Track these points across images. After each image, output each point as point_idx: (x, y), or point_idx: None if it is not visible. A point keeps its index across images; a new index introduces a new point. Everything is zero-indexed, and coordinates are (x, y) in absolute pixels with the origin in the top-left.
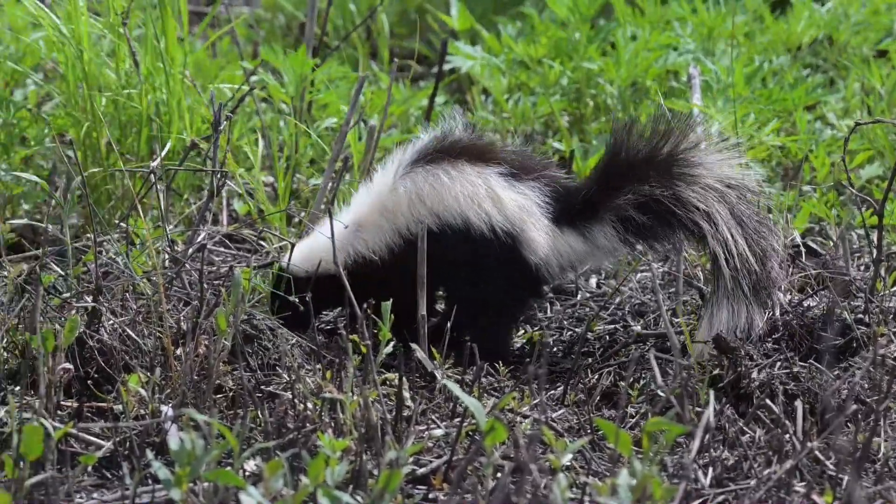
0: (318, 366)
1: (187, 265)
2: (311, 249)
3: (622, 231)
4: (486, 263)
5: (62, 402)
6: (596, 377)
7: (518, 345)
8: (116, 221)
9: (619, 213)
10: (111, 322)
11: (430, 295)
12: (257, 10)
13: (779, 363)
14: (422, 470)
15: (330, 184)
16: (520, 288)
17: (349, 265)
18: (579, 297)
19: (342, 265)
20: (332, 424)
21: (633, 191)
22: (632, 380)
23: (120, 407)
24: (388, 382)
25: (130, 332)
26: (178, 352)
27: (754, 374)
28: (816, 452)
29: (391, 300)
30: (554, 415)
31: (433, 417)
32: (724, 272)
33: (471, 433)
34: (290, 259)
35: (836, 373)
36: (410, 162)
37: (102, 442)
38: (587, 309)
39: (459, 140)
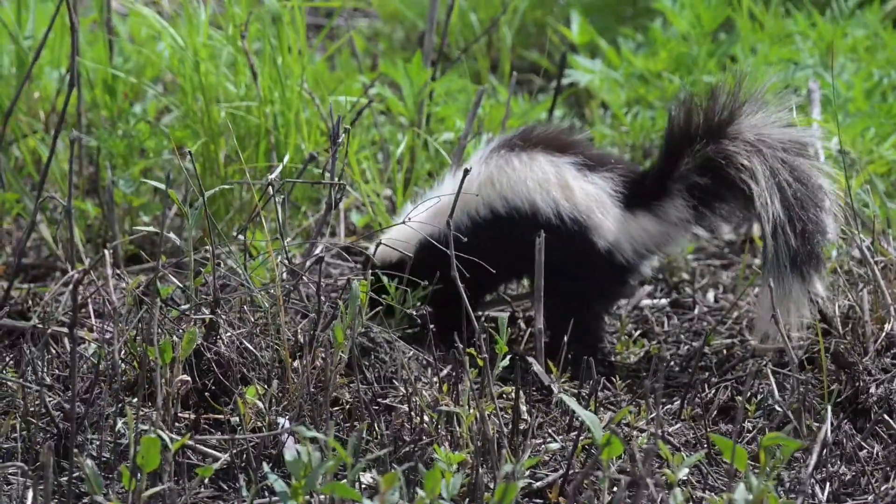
0: (435, 378)
1: (305, 277)
2: (395, 237)
3: (690, 199)
4: (555, 248)
5: (179, 414)
6: (713, 392)
7: (635, 359)
8: (234, 233)
9: (684, 181)
10: (229, 334)
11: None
12: (376, 22)
13: None
14: (538, 483)
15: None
16: (597, 275)
17: (423, 251)
18: (696, 311)
19: (414, 252)
20: (449, 437)
21: (690, 154)
22: (749, 394)
23: (237, 419)
24: (504, 395)
25: (248, 345)
26: (296, 364)
27: (872, 389)
28: None
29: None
30: (670, 429)
31: (549, 431)
32: (766, 239)
33: (587, 447)
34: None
35: None
36: (490, 150)
37: (219, 454)
38: (704, 323)
39: (539, 131)
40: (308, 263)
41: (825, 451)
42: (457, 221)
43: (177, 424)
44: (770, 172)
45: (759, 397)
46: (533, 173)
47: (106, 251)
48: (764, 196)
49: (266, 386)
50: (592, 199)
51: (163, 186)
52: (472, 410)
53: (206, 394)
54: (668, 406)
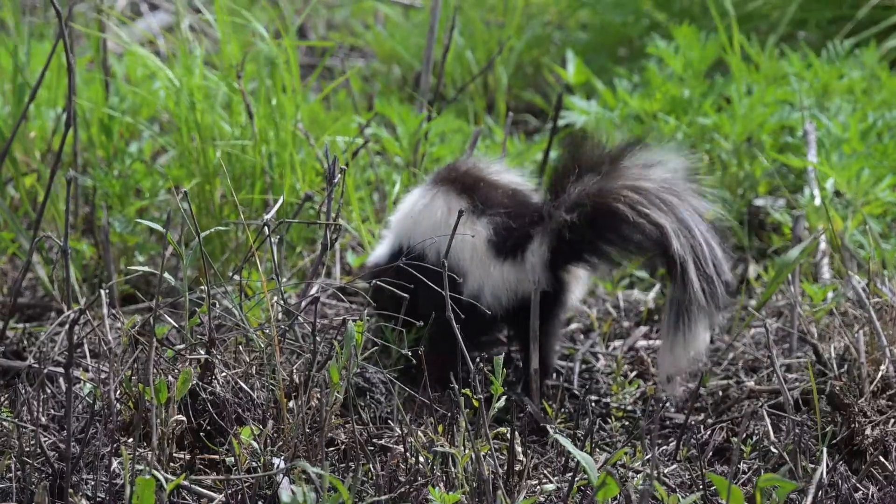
0: (431, 419)
1: (300, 318)
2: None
3: (553, 247)
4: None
5: (175, 454)
6: (709, 433)
7: (630, 399)
8: (230, 274)
9: (552, 224)
10: (224, 374)
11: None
12: (373, 61)
13: (893, 420)
14: None
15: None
16: (465, 317)
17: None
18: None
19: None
20: (444, 478)
21: (564, 199)
22: (744, 435)
23: (232, 459)
24: (500, 436)
25: (243, 385)
26: (291, 404)
27: (868, 431)
28: None
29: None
30: (666, 470)
31: (545, 472)
32: (693, 283)
33: (583, 488)
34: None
35: None
36: (429, 183)
37: (214, 494)
38: (700, 364)
39: (460, 167)
40: (304, 304)
41: (820, 492)
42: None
43: (172, 464)
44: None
45: (754, 438)
46: (430, 216)
47: (102, 291)
48: (696, 237)
49: (261, 426)
50: (468, 246)
51: (159, 227)
52: (467, 451)
53: (202, 434)
54: (664, 447)
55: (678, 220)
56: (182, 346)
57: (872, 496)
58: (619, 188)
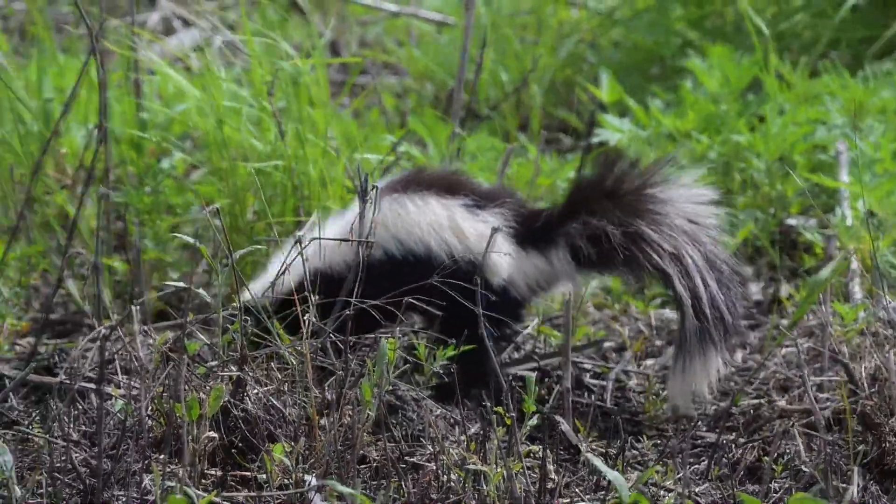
0: (463, 437)
1: (332, 335)
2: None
3: (574, 257)
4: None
5: (206, 471)
6: (740, 452)
7: (662, 418)
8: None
9: (569, 239)
10: (256, 391)
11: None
12: (406, 79)
13: None
14: None
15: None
16: (491, 310)
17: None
18: (724, 371)
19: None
20: (476, 496)
21: (583, 221)
22: (776, 455)
23: (264, 476)
24: (532, 454)
25: (275, 402)
26: (323, 422)
27: None
28: None
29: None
30: (697, 489)
31: (577, 490)
32: (690, 320)
33: None
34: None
35: None
36: (380, 192)
37: None
38: (732, 383)
39: (430, 173)
40: (336, 321)
41: None
42: (339, 259)
43: (203, 481)
44: (702, 256)
45: (786, 458)
46: (426, 217)
47: (133, 307)
48: (694, 278)
49: (293, 443)
50: (485, 238)
51: (193, 241)
52: (499, 469)
53: (233, 451)
54: (696, 466)
55: (685, 268)
56: (214, 363)
57: None
58: (637, 229)
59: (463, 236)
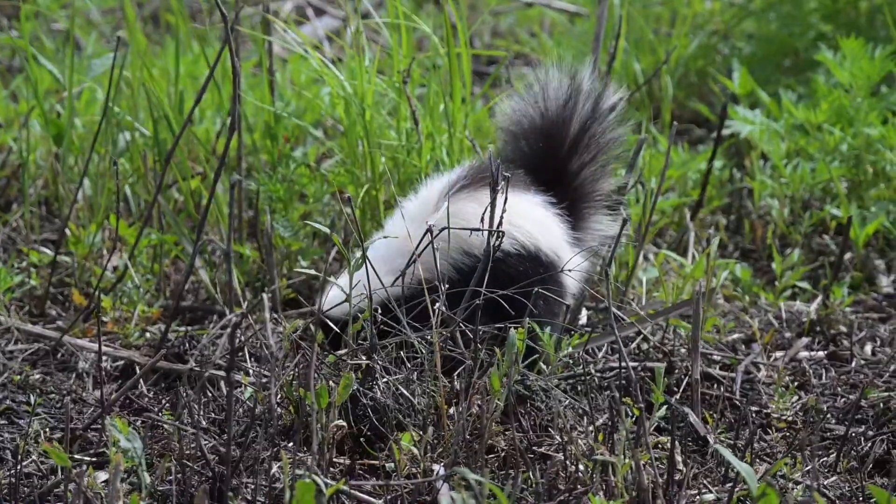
0: (591, 427)
1: (461, 325)
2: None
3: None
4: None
5: (335, 459)
6: (869, 445)
7: (791, 411)
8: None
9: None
10: (385, 380)
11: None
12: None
13: None
14: None
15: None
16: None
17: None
18: (854, 363)
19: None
20: (604, 487)
21: None
22: None
23: (392, 465)
24: (660, 445)
25: (404, 391)
26: (451, 411)
27: None
28: None
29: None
30: (826, 482)
31: (704, 482)
32: None
33: (742, 498)
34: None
35: None
36: (453, 188)
37: (374, 500)
38: (862, 376)
39: (485, 171)
40: (464, 310)
41: None
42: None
43: (332, 469)
44: None
45: None
46: (525, 212)
47: (264, 295)
48: None
49: (421, 432)
50: (556, 233)
51: (326, 229)
52: (627, 460)
53: (362, 439)
54: (824, 458)
55: None
56: (344, 352)
57: None
58: None
59: (546, 230)
